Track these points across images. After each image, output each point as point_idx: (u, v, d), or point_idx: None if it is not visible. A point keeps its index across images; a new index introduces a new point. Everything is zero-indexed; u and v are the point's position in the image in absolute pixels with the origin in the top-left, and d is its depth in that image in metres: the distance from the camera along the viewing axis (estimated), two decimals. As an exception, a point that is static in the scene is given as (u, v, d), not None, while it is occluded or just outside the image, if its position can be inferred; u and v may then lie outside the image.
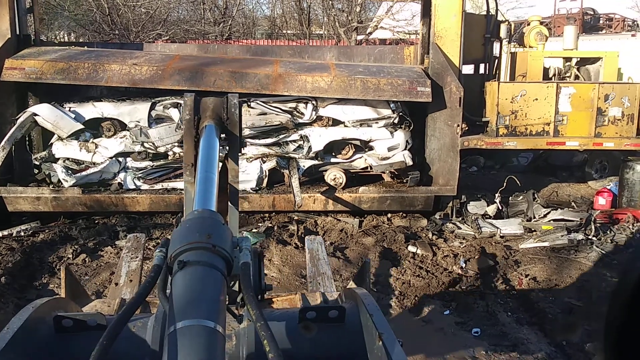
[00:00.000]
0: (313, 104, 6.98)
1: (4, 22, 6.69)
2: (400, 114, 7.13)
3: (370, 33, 16.97)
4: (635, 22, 20.09)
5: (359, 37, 17.07)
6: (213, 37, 18.19)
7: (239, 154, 2.25)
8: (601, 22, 19.58)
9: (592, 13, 19.11)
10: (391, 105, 7.09)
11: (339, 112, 7.02)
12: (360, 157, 7.22)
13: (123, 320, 1.13)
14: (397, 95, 6.75)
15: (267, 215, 7.38)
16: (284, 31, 22.68)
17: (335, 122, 7.09)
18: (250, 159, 6.97)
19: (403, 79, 6.81)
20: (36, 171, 7.04)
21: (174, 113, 6.75)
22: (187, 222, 1.33)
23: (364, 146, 7.20)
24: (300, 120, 7.02)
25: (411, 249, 6.33)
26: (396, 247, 6.40)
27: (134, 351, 1.34)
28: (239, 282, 1.30)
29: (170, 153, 6.85)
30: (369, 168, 7.22)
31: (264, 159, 7.04)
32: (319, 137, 7.01)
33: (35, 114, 6.55)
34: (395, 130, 7.18)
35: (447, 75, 6.95)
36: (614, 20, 19.72)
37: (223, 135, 2.17)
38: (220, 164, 2.17)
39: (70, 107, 6.75)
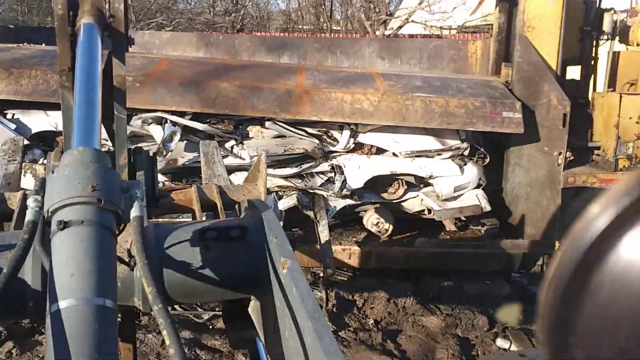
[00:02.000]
0: (352, 129, 5.02)
1: None
2: (472, 143, 5.17)
3: (400, 27, 14.93)
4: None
5: (387, 32, 15.05)
6: (223, 29, 16.32)
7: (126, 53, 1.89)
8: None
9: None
10: (460, 133, 5.12)
11: (387, 141, 5.04)
12: (414, 197, 5.26)
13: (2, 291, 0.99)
14: (474, 124, 4.76)
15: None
16: (300, 26, 21.14)
17: (380, 150, 5.14)
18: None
19: (481, 100, 4.82)
20: None
21: (156, 131, 4.81)
22: (67, 168, 1.11)
23: (420, 182, 5.24)
24: (333, 149, 5.08)
25: (501, 343, 4.38)
26: (476, 337, 4.46)
27: (13, 291, 1.14)
28: (131, 243, 1.17)
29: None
30: (425, 212, 5.26)
31: (280, 192, 5.09)
32: (357, 170, 5.04)
33: None
34: (465, 163, 5.19)
35: (544, 81, 4.94)
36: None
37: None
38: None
39: (12, 115, 4.83)
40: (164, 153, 4.65)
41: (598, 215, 0.57)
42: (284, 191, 5.06)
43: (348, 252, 5.04)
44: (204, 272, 1.37)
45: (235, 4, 17.75)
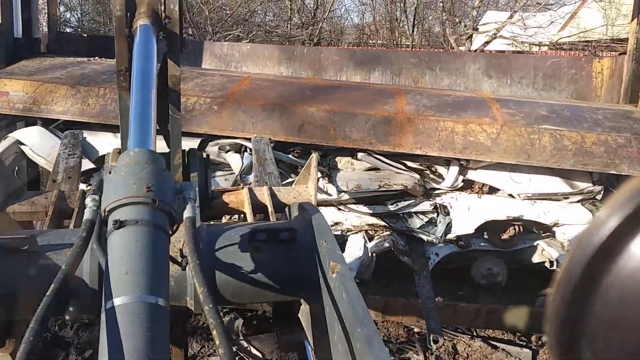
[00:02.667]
0: (461, 164, 4.21)
1: None
2: (607, 185, 4.24)
3: (488, 42, 13.93)
4: None
5: (473, 48, 14.09)
6: (299, 42, 15.88)
7: (180, 53, 1.90)
8: None
9: None
10: (593, 174, 4.20)
11: (503, 180, 4.19)
12: (532, 246, 4.37)
13: (59, 292, 1.02)
14: (617, 165, 3.84)
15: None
16: (373, 41, 20.51)
17: (493, 188, 4.30)
18: (349, 232, 4.29)
19: (625, 136, 3.90)
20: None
21: (234, 159, 4.18)
22: (123, 168, 1.16)
23: (541, 230, 4.35)
24: (437, 187, 4.28)
25: None
26: None
27: (71, 288, 1.21)
28: (183, 243, 1.19)
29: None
30: (547, 263, 4.37)
31: (371, 232, 4.34)
32: (466, 212, 4.21)
33: (21, 143, 4.22)
34: (597, 209, 4.25)
35: None
36: None
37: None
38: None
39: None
40: (241, 186, 4.00)
41: (607, 219, 0.59)
42: (375, 231, 4.31)
43: (452, 309, 4.20)
44: (254, 273, 1.39)
45: (313, 16, 17.27)
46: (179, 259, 1.27)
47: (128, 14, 1.77)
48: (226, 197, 2.11)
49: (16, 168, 4.52)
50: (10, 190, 2.12)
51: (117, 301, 0.98)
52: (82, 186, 3.27)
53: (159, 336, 0.96)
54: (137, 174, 1.15)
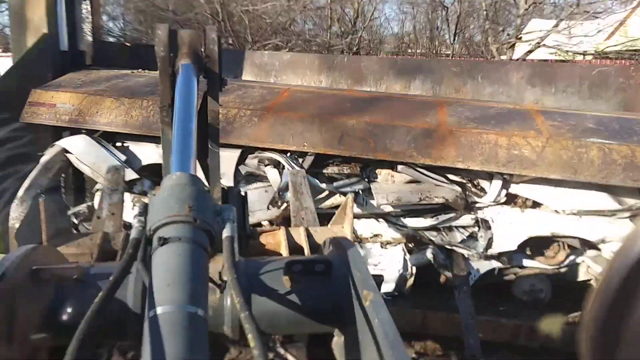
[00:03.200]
0: (505, 178, 4.10)
1: (39, 9, 4.49)
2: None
3: (531, 51, 13.64)
4: None
5: (515, 56, 13.84)
6: (338, 51, 15.87)
7: (220, 91, 1.99)
8: None
9: None
10: (642, 190, 4.04)
11: (548, 195, 4.06)
12: (579, 264, 4.23)
13: (106, 300, 1.09)
14: (671, 182, 3.68)
15: (411, 340, 4.53)
16: (412, 50, 20.34)
17: (536, 202, 4.17)
18: (388, 244, 4.23)
19: (680, 150, 3.74)
20: (75, 232, 4.77)
21: (272, 174, 4.17)
22: (166, 190, 1.27)
23: (586, 246, 4.20)
24: (479, 200, 4.18)
25: None
26: None
27: (115, 312, 1.31)
28: (223, 262, 1.25)
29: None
30: (592, 281, 4.21)
31: (411, 245, 4.26)
32: (508, 227, 4.11)
33: (67, 151, 4.32)
34: (641, 221, 4.08)
35: None
36: None
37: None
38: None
39: (122, 143, 4.44)
40: (279, 203, 3.99)
41: None
42: (415, 244, 4.24)
43: (492, 325, 4.08)
44: (290, 304, 1.42)
45: (353, 25, 17.25)
46: (218, 282, 1.33)
47: (171, 54, 1.87)
48: (263, 239, 2.16)
49: (62, 176, 4.63)
50: (58, 230, 2.19)
51: (160, 310, 1.02)
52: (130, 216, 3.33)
53: (199, 343, 1.01)
54: (179, 195, 1.22)
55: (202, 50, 1.93)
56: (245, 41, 15.40)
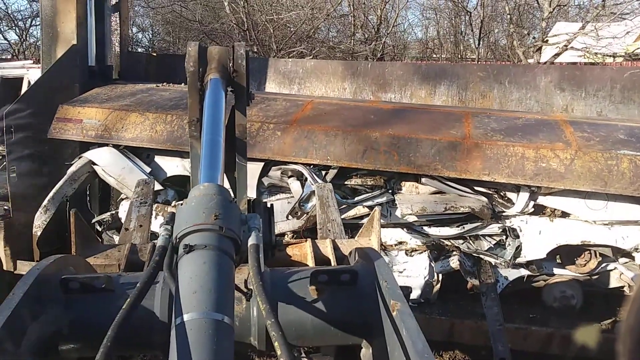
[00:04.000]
0: (532, 190, 4.02)
1: (70, 21, 4.57)
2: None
3: (559, 54, 13.40)
4: None
5: (542, 60, 13.60)
6: (363, 57, 15.83)
7: (247, 105, 2.04)
8: None
9: None
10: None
11: (578, 206, 3.98)
12: (611, 270, 4.12)
13: (132, 308, 1.10)
14: None
15: (439, 350, 4.47)
16: (437, 55, 20.18)
17: (565, 212, 4.08)
18: (413, 252, 4.18)
19: None
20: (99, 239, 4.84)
21: (295, 186, 4.16)
22: (193, 200, 1.28)
23: (619, 254, 4.09)
24: (507, 212, 4.11)
25: None
26: None
27: (142, 322, 1.31)
28: (249, 270, 1.23)
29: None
30: (626, 288, 4.10)
31: (436, 252, 4.21)
32: (537, 236, 4.03)
33: (94, 163, 4.39)
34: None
35: None
36: None
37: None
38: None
39: (148, 155, 4.50)
40: (299, 214, 3.98)
41: None
42: (440, 251, 4.19)
43: (522, 333, 4.00)
44: (316, 314, 1.40)
45: (377, 31, 17.20)
46: (245, 290, 1.33)
47: (200, 70, 1.90)
48: (290, 250, 2.16)
49: (88, 186, 4.71)
50: (87, 243, 2.25)
51: (187, 317, 1.03)
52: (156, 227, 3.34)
53: (225, 350, 1.01)
54: (205, 204, 1.24)
55: (231, 65, 1.96)
56: (270, 49, 15.47)
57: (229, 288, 1.15)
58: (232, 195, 1.68)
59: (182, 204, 1.28)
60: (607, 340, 3.84)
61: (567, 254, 4.15)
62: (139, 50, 16.82)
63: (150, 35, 21.15)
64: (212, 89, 1.85)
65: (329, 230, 2.58)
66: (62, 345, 1.36)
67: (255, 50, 15.35)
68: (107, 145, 4.36)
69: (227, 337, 1.04)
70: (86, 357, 1.40)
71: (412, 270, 4.13)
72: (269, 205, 2.08)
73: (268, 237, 1.97)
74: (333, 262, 2.03)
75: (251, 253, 1.24)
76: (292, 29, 16.56)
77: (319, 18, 17.01)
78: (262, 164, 4.13)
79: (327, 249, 2.10)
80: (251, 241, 1.27)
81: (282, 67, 6.01)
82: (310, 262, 2.05)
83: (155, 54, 6.99)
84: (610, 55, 13.85)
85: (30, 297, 1.26)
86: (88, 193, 4.89)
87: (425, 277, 4.11)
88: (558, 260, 4.20)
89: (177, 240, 1.21)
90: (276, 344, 1.02)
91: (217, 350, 0.99)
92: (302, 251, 2.14)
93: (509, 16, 13.52)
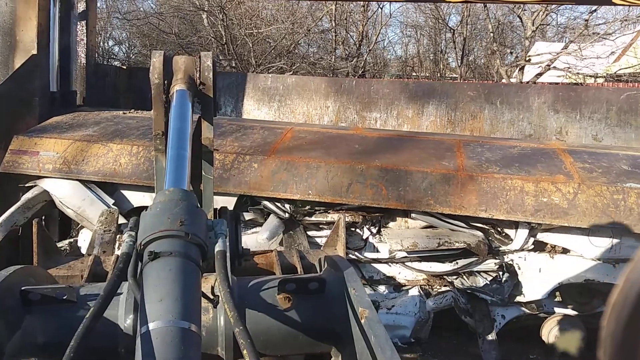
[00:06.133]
0: (532, 226, 3.71)
1: (30, 29, 4.23)
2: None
3: (541, 74, 13.33)
4: None
5: (525, 79, 13.54)
6: (343, 74, 15.64)
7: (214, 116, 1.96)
8: None
9: None
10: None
11: (580, 243, 3.67)
12: None
13: (96, 317, 1.08)
14: None
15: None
16: (417, 73, 20.18)
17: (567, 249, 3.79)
18: (404, 288, 3.86)
19: None
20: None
21: (273, 223, 3.81)
22: (158, 205, 1.25)
23: None
24: (504, 248, 3.80)
25: None
26: None
27: (105, 333, 1.30)
28: (216, 277, 1.22)
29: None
30: None
31: (427, 288, 3.89)
32: (537, 274, 3.73)
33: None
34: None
35: None
36: None
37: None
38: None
39: (113, 185, 4.10)
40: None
41: None
42: (432, 287, 3.87)
43: None
44: (284, 324, 1.39)
45: (358, 48, 17.02)
46: (211, 297, 1.31)
47: (165, 82, 1.85)
48: (256, 259, 2.15)
49: (43, 217, 4.31)
50: (50, 254, 2.20)
51: (152, 325, 1.00)
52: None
53: (192, 359, 0.99)
54: (171, 210, 1.22)
55: (197, 76, 1.90)
56: (248, 64, 15.21)
57: (195, 295, 1.12)
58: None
59: (146, 211, 1.25)
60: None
61: (568, 292, 3.87)
62: (115, 63, 16.44)
63: (126, 48, 20.76)
64: (178, 101, 1.78)
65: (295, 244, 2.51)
66: (22, 358, 1.33)
67: (234, 64, 15.07)
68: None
69: (193, 345, 1.02)
70: None
71: (401, 307, 3.82)
72: (235, 214, 2.07)
73: (235, 246, 1.99)
74: (300, 271, 2.00)
75: (218, 259, 1.22)
76: (271, 44, 16.35)
77: (299, 33, 16.81)
78: (236, 198, 3.78)
79: (293, 258, 2.09)
80: (218, 247, 1.25)
81: (261, 83, 5.67)
82: (277, 271, 2.01)
83: (124, 67, 6.59)
84: (591, 76, 13.83)
85: None
86: (44, 218, 4.49)
87: (416, 314, 3.81)
88: (559, 299, 3.91)
89: (142, 246, 1.18)
90: (244, 352, 1.01)
91: (183, 358, 0.97)
92: (268, 260, 2.13)
93: (491, 34, 13.42)
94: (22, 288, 1.32)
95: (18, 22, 4.35)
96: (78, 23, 5.04)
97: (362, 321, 1.26)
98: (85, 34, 5.13)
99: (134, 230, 1.26)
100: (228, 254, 1.28)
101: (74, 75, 4.97)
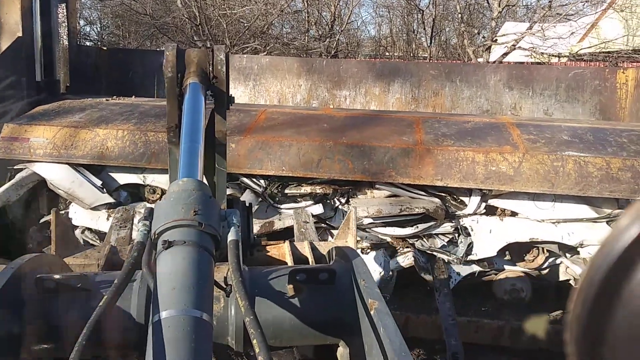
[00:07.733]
0: (483, 192, 4.14)
1: (14, 12, 4.39)
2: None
3: (507, 54, 13.71)
4: None
5: (491, 59, 13.90)
6: (317, 54, 15.82)
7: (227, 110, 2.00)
8: None
9: None
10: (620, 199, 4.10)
11: (527, 207, 4.11)
12: (558, 265, 4.28)
13: (109, 305, 1.08)
14: (646, 194, 3.74)
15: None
16: (390, 53, 20.36)
17: (515, 212, 4.21)
18: (369, 250, 4.25)
19: (654, 160, 3.80)
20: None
21: (248, 197, 4.16)
22: (172, 195, 1.27)
23: (565, 250, 4.26)
24: (459, 212, 4.22)
25: None
26: None
27: (118, 321, 1.30)
28: (228, 266, 1.20)
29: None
30: (572, 281, 4.27)
31: (391, 249, 4.30)
32: (487, 235, 4.15)
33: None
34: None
35: None
36: None
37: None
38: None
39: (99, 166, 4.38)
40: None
41: (627, 227, 0.57)
42: (395, 248, 4.27)
43: (474, 326, 4.12)
44: (294, 314, 1.40)
45: (331, 28, 17.21)
46: (224, 286, 1.31)
47: (179, 75, 1.87)
48: (269, 249, 2.19)
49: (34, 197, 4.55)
50: (67, 244, 2.23)
51: (165, 314, 1.02)
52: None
53: (203, 348, 1.00)
54: (184, 200, 1.23)
55: (210, 70, 1.92)
56: (223, 45, 15.26)
57: (208, 285, 1.13)
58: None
59: (160, 201, 1.27)
60: (556, 330, 4.01)
61: (516, 250, 4.30)
62: (87, 43, 16.37)
63: (98, 28, 20.61)
64: (191, 94, 1.81)
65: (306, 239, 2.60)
66: (36, 345, 1.35)
67: (209, 45, 15.15)
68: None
69: (205, 334, 1.03)
70: (60, 358, 1.38)
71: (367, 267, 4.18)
72: (247, 204, 2.09)
73: (247, 236, 1.97)
74: (311, 262, 2.03)
75: (231, 249, 1.23)
76: (245, 25, 16.42)
77: (272, 14, 16.90)
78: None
79: (305, 249, 2.13)
80: (230, 237, 1.26)
81: (237, 63, 5.95)
82: (289, 261, 2.06)
83: (105, 48, 6.77)
84: (555, 55, 14.27)
85: (4, 296, 1.25)
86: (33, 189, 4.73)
87: (380, 273, 4.19)
88: (508, 257, 4.34)
89: (156, 236, 1.20)
90: (254, 341, 1.01)
91: (195, 347, 0.98)
92: (280, 251, 2.16)
93: (460, 15, 13.76)
94: (38, 276, 1.35)
95: (2, 5, 4.47)
96: (59, 6, 5.18)
97: (372, 312, 1.27)
98: (65, 17, 5.26)
99: (148, 220, 1.26)
100: (241, 243, 1.28)
101: (57, 56, 5.11)
